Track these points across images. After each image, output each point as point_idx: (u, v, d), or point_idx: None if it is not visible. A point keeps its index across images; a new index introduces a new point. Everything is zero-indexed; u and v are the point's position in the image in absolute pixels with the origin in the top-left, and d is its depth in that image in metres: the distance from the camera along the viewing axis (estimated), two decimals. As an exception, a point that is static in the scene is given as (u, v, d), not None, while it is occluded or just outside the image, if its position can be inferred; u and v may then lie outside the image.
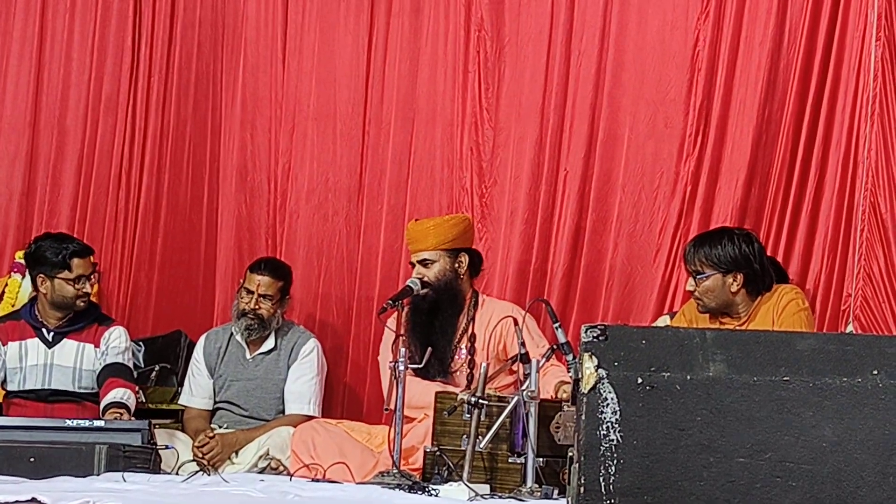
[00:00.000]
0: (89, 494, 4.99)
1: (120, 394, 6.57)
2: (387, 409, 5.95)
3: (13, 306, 7.24)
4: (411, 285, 6.45)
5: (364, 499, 5.39)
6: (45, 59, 7.78)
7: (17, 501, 4.90)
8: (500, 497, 5.56)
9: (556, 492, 5.53)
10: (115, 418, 6.38)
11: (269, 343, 6.94)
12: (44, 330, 6.74)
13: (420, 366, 6.20)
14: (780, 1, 6.63)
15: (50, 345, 6.73)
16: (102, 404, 6.57)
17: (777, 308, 6.00)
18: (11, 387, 6.75)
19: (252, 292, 6.85)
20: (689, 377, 4.23)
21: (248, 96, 7.61)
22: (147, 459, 5.98)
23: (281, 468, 6.42)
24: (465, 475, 5.57)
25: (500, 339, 6.53)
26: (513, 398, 5.64)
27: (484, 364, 5.85)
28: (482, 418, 5.68)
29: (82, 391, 6.70)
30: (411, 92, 7.33)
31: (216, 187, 7.69)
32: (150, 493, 5.21)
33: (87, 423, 6.09)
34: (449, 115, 7.25)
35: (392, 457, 5.84)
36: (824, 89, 6.55)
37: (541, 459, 5.57)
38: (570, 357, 5.83)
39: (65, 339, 6.74)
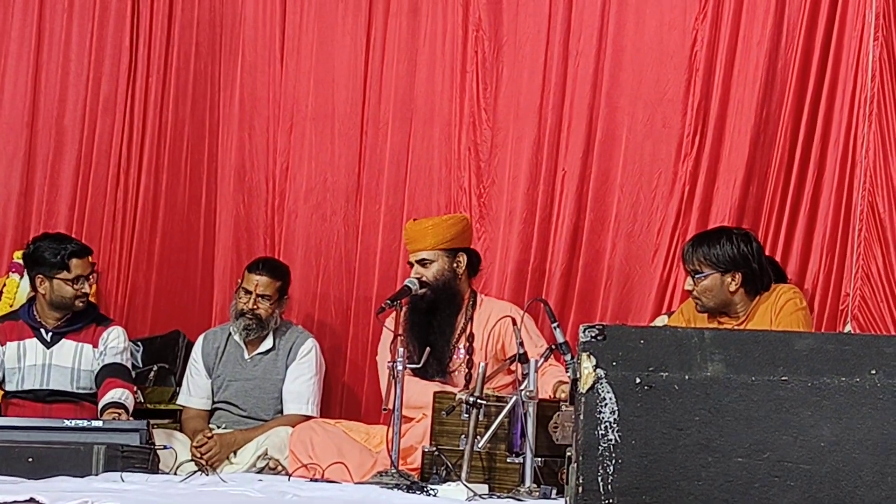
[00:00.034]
0: (87, 494, 4.99)
1: (118, 394, 6.57)
2: (385, 409, 5.95)
3: (11, 306, 7.24)
4: (409, 285, 6.45)
5: (362, 499, 5.39)
6: (43, 60, 7.78)
7: (15, 501, 4.89)
8: (499, 497, 5.56)
9: (554, 491, 5.53)
10: (114, 418, 6.38)
11: (268, 343, 6.94)
12: (42, 330, 6.74)
13: (418, 366, 6.20)
14: (778, 1, 6.63)
15: (48, 345, 6.73)
16: (101, 404, 6.57)
17: (775, 307, 6.00)
18: (10, 387, 6.75)
19: (250, 292, 6.85)
20: (687, 377, 4.23)
21: (246, 96, 7.62)
22: (145, 459, 5.98)
23: (279, 468, 6.43)
24: (463, 475, 5.57)
25: (499, 338, 6.53)
26: (511, 398, 5.64)
27: (482, 364, 5.85)
28: (480, 418, 5.68)
29: (81, 391, 6.71)
30: (409, 92, 7.33)
31: (214, 187, 7.69)
32: (148, 494, 5.21)
33: (85, 424, 6.09)
34: (447, 114, 7.25)
35: (390, 456, 5.84)
36: (822, 89, 6.55)
37: (539, 459, 5.57)
38: (568, 357, 5.83)
39: (63, 340, 6.74)
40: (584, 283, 6.96)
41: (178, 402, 7.09)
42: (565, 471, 4.54)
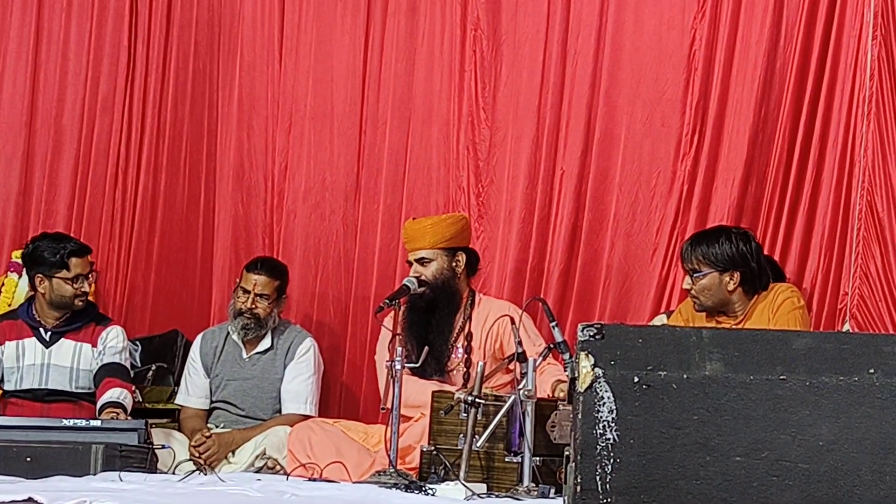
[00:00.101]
0: (86, 494, 4.98)
1: (116, 393, 6.57)
2: (383, 409, 5.94)
3: (9, 306, 7.23)
4: (408, 284, 6.45)
5: (361, 498, 5.39)
6: (42, 59, 7.77)
7: (13, 501, 4.89)
8: (497, 496, 5.56)
9: (552, 491, 5.53)
10: (112, 418, 6.38)
11: (266, 342, 6.94)
12: (41, 329, 6.75)
13: (417, 365, 6.20)
14: (777, 0, 6.63)
15: (47, 344, 6.73)
16: (99, 404, 6.57)
17: (773, 306, 6.00)
18: (8, 386, 6.75)
19: (249, 292, 6.85)
20: (685, 376, 4.23)
21: (244, 96, 7.61)
22: (143, 459, 5.98)
23: (277, 467, 6.42)
24: (461, 474, 5.57)
25: (497, 338, 6.53)
26: (509, 397, 5.64)
27: (481, 363, 5.85)
28: (479, 417, 5.68)
29: (79, 391, 6.70)
30: (408, 91, 7.33)
31: (213, 187, 7.68)
32: (146, 493, 5.20)
33: (83, 423, 6.10)
34: (445, 114, 7.25)
35: (389, 456, 5.84)
36: (821, 88, 6.55)
37: (537, 458, 5.57)
38: (566, 356, 5.83)
39: (62, 339, 6.74)
40: (583, 282, 6.96)
41: (176, 401, 7.09)
42: (563, 470, 4.54)
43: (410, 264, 6.61)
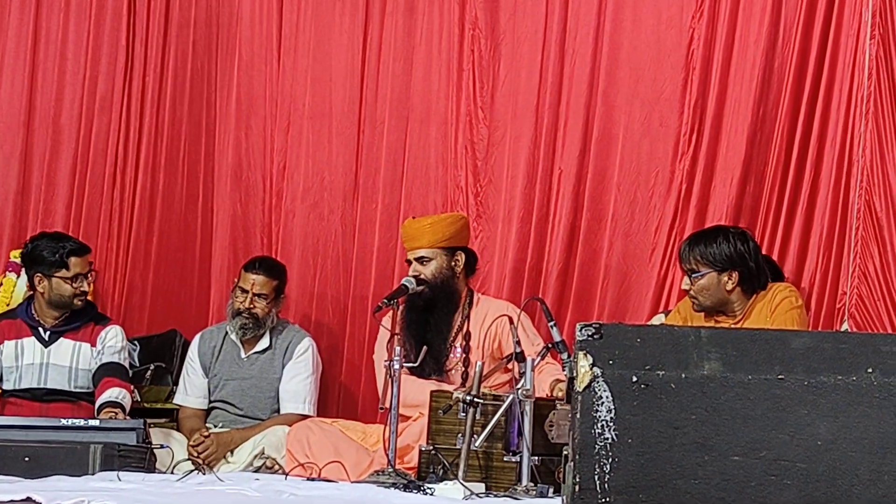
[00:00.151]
0: (84, 494, 4.98)
1: (115, 393, 6.57)
2: (382, 408, 5.94)
3: (8, 305, 7.23)
4: (406, 284, 6.44)
5: (359, 498, 5.39)
6: (40, 59, 7.77)
7: (11, 501, 4.89)
8: (496, 496, 5.56)
9: (550, 490, 5.53)
10: (111, 417, 6.38)
11: (264, 342, 6.94)
12: (40, 329, 6.75)
13: (415, 364, 6.19)
14: (775, -1, 6.65)
15: (46, 344, 6.73)
16: (97, 404, 6.57)
17: (771, 306, 6.00)
18: (7, 386, 6.75)
19: (247, 291, 6.85)
20: (683, 375, 4.23)
21: (242, 95, 7.61)
22: (142, 459, 5.98)
23: (276, 467, 6.42)
24: (460, 474, 5.57)
25: (496, 337, 6.53)
26: (508, 397, 5.64)
27: (479, 363, 5.85)
28: (477, 417, 5.68)
29: (78, 390, 6.70)
30: (406, 90, 7.33)
31: (211, 186, 7.68)
32: (144, 493, 5.20)
33: (82, 423, 6.10)
34: (443, 113, 7.25)
35: (387, 455, 5.84)
36: (819, 88, 6.56)
37: (536, 458, 5.57)
38: (564, 355, 5.82)
39: (61, 339, 6.74)
40: (581, 281, 6.96)
41: (174, 401, 7.09)
42: (562, 469, 4.54)
43: (409, 263, 6.61)
